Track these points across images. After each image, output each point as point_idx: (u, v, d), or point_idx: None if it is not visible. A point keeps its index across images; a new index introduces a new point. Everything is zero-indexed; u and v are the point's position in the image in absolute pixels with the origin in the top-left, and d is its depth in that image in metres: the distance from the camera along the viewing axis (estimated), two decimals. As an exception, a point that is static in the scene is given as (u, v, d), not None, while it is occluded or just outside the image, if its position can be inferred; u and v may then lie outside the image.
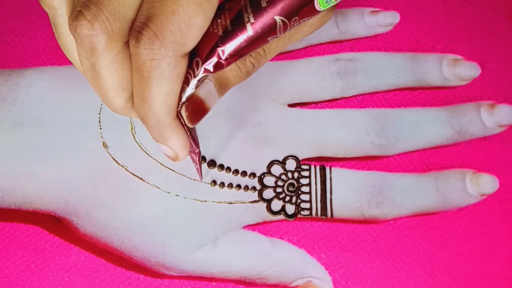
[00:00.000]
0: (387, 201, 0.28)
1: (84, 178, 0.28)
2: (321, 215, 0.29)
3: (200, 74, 0.21)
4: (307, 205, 0.29)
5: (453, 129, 0.30)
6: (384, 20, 0.32)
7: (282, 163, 0.29)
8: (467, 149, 0.31)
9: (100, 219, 0.28)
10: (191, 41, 0.19)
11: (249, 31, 0.20)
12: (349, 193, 0.29)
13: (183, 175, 0.28)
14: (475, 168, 0.30)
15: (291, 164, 0.29)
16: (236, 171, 0.29)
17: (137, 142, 0.28)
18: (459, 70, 0.31)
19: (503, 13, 0.33)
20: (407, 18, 0.33)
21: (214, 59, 0.20)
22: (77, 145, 0.28)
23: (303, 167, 0.29)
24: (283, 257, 0.29)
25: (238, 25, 0.20)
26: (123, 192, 0.28)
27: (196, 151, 0.25)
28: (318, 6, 0.20)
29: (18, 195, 0.27)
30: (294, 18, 0.20)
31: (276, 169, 0.29)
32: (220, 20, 0.20)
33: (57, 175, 0.27)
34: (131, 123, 0.28)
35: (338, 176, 0.29)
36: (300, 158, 0.29)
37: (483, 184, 0.29)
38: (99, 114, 0.29)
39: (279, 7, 0.20)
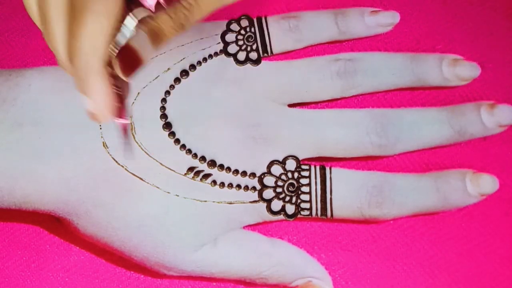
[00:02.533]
0: (387, 201, 0.28)
1: (84, 178, 0.28)
2: (321, 215, 0.29)
3: (140, 14, 0.20)
4: (307, 205, 0.29)
5: (453, 129, 0.30)
6: (384, 20, 0.32)
7: (282, 163, 0.29)
8: (467, 149, 0.31)
9: (100, 219, 0.28)
10: None
11: None
12: (349, 193, 0.29)
13: (183, 175, 0.28)
14: (475, 168, 0.30)
15: (291, 164, 0.29)
16: (236, 171, 0.29)
17: (137, 142, 0.28)
18: (459, 70, 0.31)
19: (503, 13, 0.33)
20: (407, 18, 0.33)
21: None
22: (77, 145, 0.28)
23: (303, 167, 0.29)
24: (283, 257, 0.29)
25: None
26: (123, 192, 0.28)
27: (125, 119, 0.23)
28: None
29: (18, 195, 0.27)
30: None
31: (276, 169, 0.29)
32: None
33: (57, 175, 0.27)
34: (131, 123, 0.28)
35: (338, 176, 0.29)
36: (300, 158, 0.29)
37: (483, 184, 0.29)
38: (99, 114, 0.29)
39: None
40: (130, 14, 0.20)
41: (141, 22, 0.20)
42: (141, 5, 0.20)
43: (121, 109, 0.22)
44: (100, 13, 0.19)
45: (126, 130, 0.24)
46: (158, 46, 0.22)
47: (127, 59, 0.21)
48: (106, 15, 0.19)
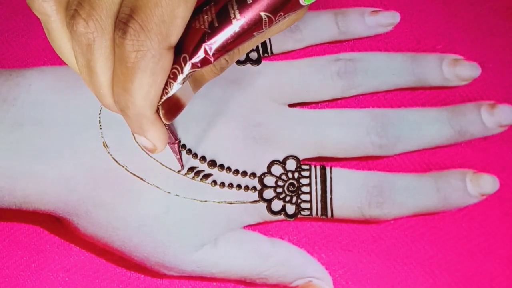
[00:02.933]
0: (388, 201, 0.28)
1: (84, 178, 0.28)
2: (322, 215, 0.29)
3: (188, 69, 0.21)
4: (307, 205, 0.29)
5: (453, 129, 0.30)
6: (385, 20, 0.32)
7: (282, 163, 0.29)
8: (467, 149, 0.31)
9: (100, 219, 0.28)
10: (175, 33, 0.20)
11: (236, 27, 0.20)
12: (350, 193, 0.29)
13: (184, 175, 0.28)
14: (475, 168, 0.30)
15: (291, 164, 0.29)
16: (236, 171, 0.29)
17: (137, 142, 0.28)
18: (459, 70, 0.31)
19: (503, 13, 0.33)
20: (407, 18, 0.33)
21: (201, 54, 0.21)
22: (77, 145, 0.28)
23: (303, 167, 0.29)
24: (283, 257, 0.29)
25: (224, 21, 0.20)
26: (123, 192, 0.28)
27: (175, 142, 0.25)
28: (302, 1, 0.20)
29: (18, 195, 0.27)
30: (280, 14, 0.20)
31: (276, 169, 0.29)
32: (206, 16, 0.21)
33: (57, 175, 0.27)
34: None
35: (339, 176, 0.29)
36: (300, 158, 0.29)
37: (483, 184, 0.29)
38: (99, 114, 0.29)
39: (264, 3, 0.20)
40: (180, 72, 0.21)
41: (193, 67, 0.21)
42: (189, 58, 0.21)
43: (171, 136, 0.24)
44: (152, 71, 0.20)
45: (179, 149, 0.26)
46: (198, 89, 0.23)
47: (171, 106, 0.22)
48: (158, 72, 0.20)
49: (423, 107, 0.31)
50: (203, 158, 0.28)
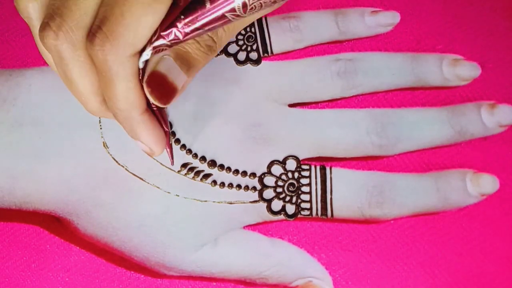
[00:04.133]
0: (388, 201, 0.28)
1: (84, 178, 0.28)
2: (322, 215, 0.29)
3: (157, 41, 0.21)
4: (307, 205, 0.29)
5: (453, 129, 0.30)
6: (385, 20, 0.32)
7: (282, 163, 0.29)
8: (467, 149, 0.31)
9: (100, 219, 0.28)
10: (140, 41, 0.21)
11: (208, 6, 0.20)
12: (350, 193, 0.29)
13: (184, 175, 0.28)
14: (476, 168, 0.30)
15: (291, 164, 0.29)
16: (236, 171, 0.29)
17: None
18: (459, 70, 0.31)
19: (503, 13, 0.33)
20: (407, 18, 0.33)
21: (172, 29, 0.21)
22: (77, 145, 0.28)
23: (303, 167, 0.29)
24: (283, 257, 0.29)
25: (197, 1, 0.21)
26: (123, 192, 0.28)
27: (165, 131, 0.25)
28: None
29: (18, 195, 0.27)
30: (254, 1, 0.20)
31: (276, 169, 0.29)
32: None
33: (57, 175, 0.27)
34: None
35: (339, 176, 0.29)
36: (300, 158, 0.29)
37: (484, 184, 0.29)
38: (99, 114, 0.29)
39: None
40: (150, 43, 0.21)
41: (166, 48, 0.22)
42: (160, 30, 0.21)
43: (168, 134, 0.25)
44: (123, 77, 0.21)
45: (168, 141, 0.26)
46: (190, 71, 0.23)
47: (159, 85, 0.22)
48: (128, 77, 0.21)
49: (423, 107, 0.31)
50: (203, 158, 0.28)
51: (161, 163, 0.28)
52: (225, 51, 0.31)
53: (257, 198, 0.29)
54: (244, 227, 0.29)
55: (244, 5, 0.20)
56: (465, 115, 0.30)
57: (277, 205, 0.29)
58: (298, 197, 0.29)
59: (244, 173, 0.29)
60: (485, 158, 0.31)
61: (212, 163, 0.28)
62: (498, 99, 0.31)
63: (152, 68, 0.22)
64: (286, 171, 0.29)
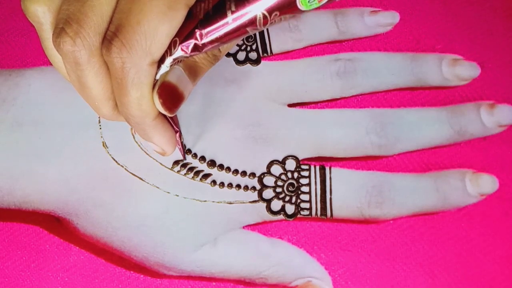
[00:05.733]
0: (387, 201, 0.28)
1: (84, 178, 0.28)
2: (321, 215, 0.29)
3: (177, 53, 0.21)
4: (307, 205, 0.29)
5: (453, 129, 0.30)
6: (384, 20, 0.32)
7: (282, 163, 0.29)
8: (467, 149, 0.31)
9: (100, 219, 0.28)
10: (158, 49, 0.21)
11: (229, 19, 0.20)
12: (349, 193, 0.29)
13: (183, 175, 0.28)
14: (475, 168, 0.30)
15: (291, 164, 0.29)
16: (236, 171, 0.29)
17: (136, 142, 0.28)
18: (459, 70, 0.31)
19: (503, 13, 0.33)
20: (407, 18, 0.33)
21: (191, 41, 0.21)
22: (77, 145, 0.28)
23: (303, 167, 0.29)
24: (282, 257, 0.29)
25: (219, 11, 0.21)
26: (123, 192, 0.28)
27: (176, 131, 0.25)
28: (300, 6, 0.20)
29: (18, 195, 0.27)
30: (275, 13, 0.20)
31: (276, 169, 0.29)
32: (203, 5, 0.21)
33: (57, 175, 0.27)
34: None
35: (338, 176, 0.29)
36: (300, 158, 0.29)
37: (483, 184, 0.29)
38: (99, 114, 0.29)
39: (262, 2, 0.20)
40: (168, 55, 0.21)
41: (183, 59, 0.22)
42: (180, 43, 0.21)
43: (179, 133, 0.25)
44: (138, 85, 0.21)
45: (180, 140, 0.26)
46: (196, 79, 0.23)
47: (169, 95, 0.22)
48: (143, 86, 0.21)
49: (422, 107, 0.31)
50: (202, 158, 0.28)
51: (160, 163, 0.28)
52: (224, 51, 0.31)
53: (256, 198, 0.29)
54: (243, 227, 0.29)
55: (265, 18, 0.20)
56: (465, 115, 0.30)
57: (276, 205, 0.29)
58: (297, 197, 0.29)
59: (244, 173, 0.29)
60: (484, 158, 0.30)
61: (212, 163, 0.28)
62: (497, 99, 0.31)
63: (162, 78, 0.22)
64: (285, 171, 0.29)
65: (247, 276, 0.29)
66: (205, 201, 0.28)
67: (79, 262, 0.30)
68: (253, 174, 0.29)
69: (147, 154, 0.28)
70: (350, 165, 0.30)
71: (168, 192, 0.28)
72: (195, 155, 0.28)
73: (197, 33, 0.21)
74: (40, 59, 0.32)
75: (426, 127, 0.30)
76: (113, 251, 0.28)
